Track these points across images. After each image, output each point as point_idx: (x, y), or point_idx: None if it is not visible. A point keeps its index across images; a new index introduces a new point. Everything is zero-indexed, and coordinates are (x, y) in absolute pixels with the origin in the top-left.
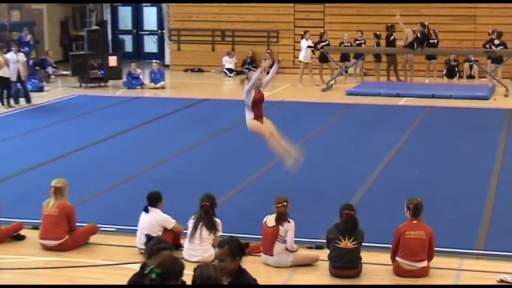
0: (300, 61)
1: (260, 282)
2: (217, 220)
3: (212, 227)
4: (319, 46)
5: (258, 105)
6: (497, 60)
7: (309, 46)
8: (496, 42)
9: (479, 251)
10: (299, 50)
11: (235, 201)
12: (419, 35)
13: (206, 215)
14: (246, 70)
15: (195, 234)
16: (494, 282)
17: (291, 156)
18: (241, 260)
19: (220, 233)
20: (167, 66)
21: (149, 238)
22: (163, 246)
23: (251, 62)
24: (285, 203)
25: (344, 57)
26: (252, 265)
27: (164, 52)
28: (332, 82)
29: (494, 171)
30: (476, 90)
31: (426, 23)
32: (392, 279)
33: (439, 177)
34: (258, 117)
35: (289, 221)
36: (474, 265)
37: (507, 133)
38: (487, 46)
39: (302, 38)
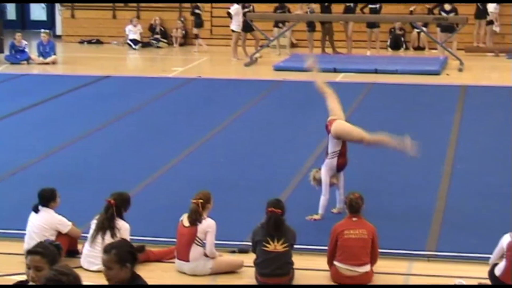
0: (232, 30)
1: None
2: (122, 223)
3: (112, 230)
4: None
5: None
6: (449, 28)
7: (244, 14)
8: (447, 7)
9: (431, 252)
10: (218, 17)
11: (144, 198)
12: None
13: (106, 214)
14: (154, 42)
15: (96, 238)
16: None
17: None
18: (134, 266)
19: (127, 239)
20: (59, 37)
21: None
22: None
23: (161, 32)
24: (201, 200)
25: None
26: (164, 274)
27: (54, 20)
28: (257, 55)
29: (447, 158)
30: (426, 63)
31: None
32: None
33: (383, 166)
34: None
35: (205, 221)
36: (425, 269)
37: (461, 114)
38: (435, 11)
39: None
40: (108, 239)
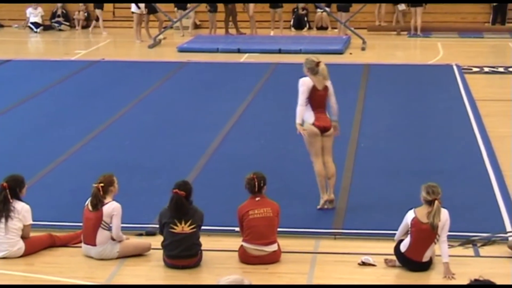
0: (133, 12)
1: (81, 278)
2: (22, 205)
3: (7, 213)
4: None
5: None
6: (344, 8)
7: None
8: None
9: (337, 230)
10: None
11: (48, 183)
12: None
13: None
14: (56, 25)
15: None
16: (354, 265)
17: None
18: None
19: (29, 222)
20: None
21: None
22: None
23: (63, 15)
24: (102, 184)
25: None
26: (72, 258)
27: None
28: (161, 36)
29: (351, 137)
30: (329, 43)
31: None
32: (238, 267)
33: (287, 146)
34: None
35: (110, 204)
36: (332, 247)
37: (365, 92)
38: None
39: None
40: (10, 223)
